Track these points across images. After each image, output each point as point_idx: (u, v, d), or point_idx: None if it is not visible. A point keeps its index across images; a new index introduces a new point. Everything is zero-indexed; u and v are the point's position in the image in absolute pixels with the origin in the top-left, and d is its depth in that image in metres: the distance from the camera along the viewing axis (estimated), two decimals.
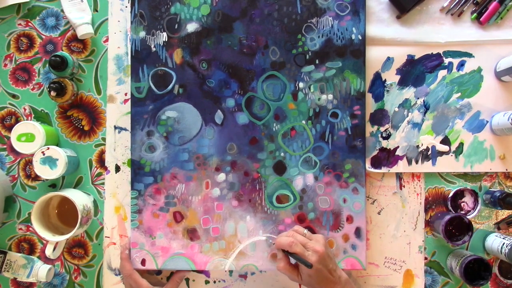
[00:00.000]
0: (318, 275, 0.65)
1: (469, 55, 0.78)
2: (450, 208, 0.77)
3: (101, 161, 0.79)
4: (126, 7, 0.79)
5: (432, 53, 0.78)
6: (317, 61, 0.75)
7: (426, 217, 0.78)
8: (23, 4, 0.80)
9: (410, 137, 0.78)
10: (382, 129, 0.78)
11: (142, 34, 0.76)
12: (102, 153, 0.79)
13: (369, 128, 0.78)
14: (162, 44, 0.76)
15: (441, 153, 0.78)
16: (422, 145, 0.78)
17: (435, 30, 0.77)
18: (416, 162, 0.77)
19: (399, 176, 0.78)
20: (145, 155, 0.75)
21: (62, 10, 0.80)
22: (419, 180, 0.78)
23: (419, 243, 0.78)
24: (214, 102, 0.76)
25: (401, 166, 0.77)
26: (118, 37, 0.79)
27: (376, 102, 0.78)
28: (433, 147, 0.78)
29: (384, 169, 0.77)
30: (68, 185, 0.80)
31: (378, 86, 0.78)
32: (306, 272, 0.65)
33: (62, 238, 0.73)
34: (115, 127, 0.79)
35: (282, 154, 0.76)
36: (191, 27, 0.76)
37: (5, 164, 0.80)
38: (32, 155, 0.74)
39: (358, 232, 0.75)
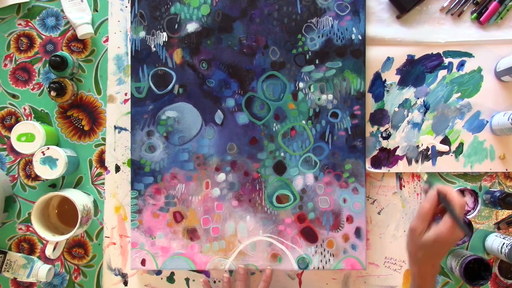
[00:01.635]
0: (442, 243, 0.57)
1: (469, 55, 0.78)
2: None
3: (101, 161, 0.79)
4: (126, 7, 0.79)
5: (432, 53, 0.78)
6: (317, 61, 0.75)
7: None
8: (23, 4, 0.80)
9: (410, 137, 0.78)
10: (382, 129, 0.78)
11: (142, 34, 0.76)
12: (102, 153, 0.79)
13: (369, 128, 0.78)
14: (162, 44, 0.76)
15: (441, 153, 0.78)
16: (422, 145, 0.78)
17: (435, 30, 0.77)
18: (416, 162, 0.77)
19: (399, 176, 0.78)
20: (145, 155, 0.75)
21: (62, 10, 0.80)
22: (419, 180, 0.78)
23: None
24: (214, 102, 0.76)
25: (401, 166, 0.77)
26: (118, 37, 0.79)
27: (376, 102, 0.78)
28: (433, 147, 0.78)
29: (384, 169, 0.77)
30: (68, 185, 0.80)
31: (378, 86, 0.78)
32: (440, 231, 0.56)
33: (62, 238, 0.73)
34: (115, 127, 0.79)
35: (282, 154, 0.76)
36: (191, 27, 0.76)
37: (5, 164, 0.80)
38: (32, 155, 0.74)
39: (358, 232, 0.75)
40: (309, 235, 0.75)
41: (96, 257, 0.79)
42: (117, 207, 0.78)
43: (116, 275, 0.78)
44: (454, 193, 0.58)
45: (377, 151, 0.78)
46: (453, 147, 0.78)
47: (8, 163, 0.80)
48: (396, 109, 0.78)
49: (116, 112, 0.79)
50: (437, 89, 0.78)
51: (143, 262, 0.75)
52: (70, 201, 0.73)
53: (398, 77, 0.78)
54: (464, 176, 0.79)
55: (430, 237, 0.57)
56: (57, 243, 0.76)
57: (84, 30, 0.77)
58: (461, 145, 0.78)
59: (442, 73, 0.78)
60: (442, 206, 0.60)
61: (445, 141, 0.78)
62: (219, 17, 0.76)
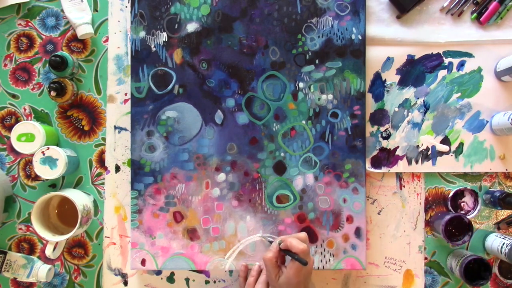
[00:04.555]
0: (297, 282, 0.64)
1: (469, 55, 0.78)
2: (450, 208, 0.77)
3: (101, 161, 0.79)
4: (126, 7, 0.79)
5: (432, 53, 0.78)
6: (317, 61, 0.75)
7: (426, 217, 0.78)
8: (23, 4, 0.80)
9: (410, 137, 0.78)
10: (382, 129, 0.78)
11: (142, 34, 0.76)
12: (102, 153, 0.79)
13: (369, 128, 0.78)
14: (162, 44, 0.76)
15: (441, 153, 0.78)
16: (422, 145, 0.78)
17: (435, 30, 0.77)
18: (416, 162, 0.77)
19: (399, 176, 0.78)
20: (145, 155, 0.75)
21: (62, 10, 0.80)
22: (419, 180, 0.78)
23: (419, 243, 0.78)
24: (214, 102, 0.76)
25: (401, 166, 0.77)
26: (118, 37, 0.79)
27: (376, 102, 0.78)
28: (433, 147, 0.78)
29: (384, 169, 0.77)
30: (68, 185, 0.80)
31: (378, 86, 0.78)
32: (289, 274, 0.64)
33: (62, 238, 0.73)
34: (115, 127, 0.79)
35: (282, 154, 0.76)
36: (191, 27, 0.76)
37: (5, 164, 0.80)
38: (32, 155, 0.74)
39: (358, 232, 0.75)
40: (309, 235, 0.75)
41: (96, 257, 0.79)
42: (117, 207, 0.78)
43: (116, 275, 0.78)
44: (294, 241, 0.65)
45: (377, 151, 0.78)
46: (453, 147, 0.78)
47: (8, 163, 0.80)
48: (396, 109, 0.78)
49: (116, 112, 0.79)
50: (437, 89, 0.78)
51: (143, 262, 0.75)
52: (70, 201, 0.73)
53: (398, 77, 0.78)
54: (464, 176, 0.79)
55: (283, 280, 0.65)
56: (57, 243, 0.76)
57: (84, 30, 0.77)
58: (461, 145, 0.78)
59: (442, 73, 0.78)
60: (283, 254, 0.68)
61: (445, 141, 0.78)
62: (219, 17, 0.76)
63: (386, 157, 0.78)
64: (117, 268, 0.78)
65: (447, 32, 0.77)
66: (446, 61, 0.78)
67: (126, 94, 0.79)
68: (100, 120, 0.79)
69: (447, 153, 0.78)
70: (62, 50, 0.80)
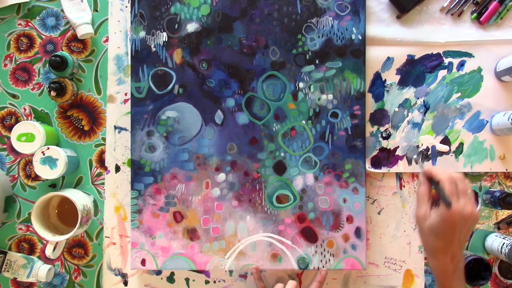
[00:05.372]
0: (447, 224, 0.53)
1: (469, 55, 0.78)
2: None
3: (101, 161, 0.79)
4: (126, 7, 0.79)
5: (432, 53, 0.78)
6: (317, 61, 0.75)
7: None
8: (23, 4, 0.80)
9: (410, 137, 0.78)
10: (382, 129, 0.78)
11: (142, 34, 0.76)
12: (102, 153, 0.79)
13: (369, 128, 0.78)
14: (162, 44, 0.76)
15: (441, 153, 0.78)
16: (422, 145, 0.78)
17: (435, 30, 0.77)
18: (416, 162, 0.77)
19: (399, 176, 0.78)
20: (145, 155, 0.75)
21: (62, 10, 0.80)
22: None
23: (419, 243, 0.78)
24: (214, 102, 0.76)
25: (401, 166, 0.77)
26: (118, 37, 0.79)
27: (376, 102, 0.78)
28: (433, 147, 0.78)
29: (384, 169, 0.77)
30: (68, 185, 0.80)
31: (378, 86, 0.78)
32: (439, 213, 0.54)
33: (62, 238, 0.73)
34: (115, 127, 0.79)
35: (282, 154, 0.76)
36: (191, 27, 0.76)
37: (5, 164, 0.80)
38: (32, 155, 0.74)
39: (358, 232, 0.75)
40: (309, 235, 0.75)
41: (96, 257, 0.79)
42: (117, 207, 0.78)
43: (116, 275, 0.78)
44: (438, 171, 0.56)
45: (377, 151, 0.78)
46: (453, 147, 0.78)
47: (8, 163, 0.80)
48: (396, 109, 0.78)
49: (116, 112, 0.79)
50: (437, 89, 0.78)
51: (143, 262, 0.75)
52: (70, 201, 0.73)
53: (398, 77, 0.78)
54: (464, 176, 0.78)
55: (435, 219, 0.54)
56: (57, 243, 0.76)
57: (84, 30, 0.77)
58: (461, 145, 0.78)
59: (442, 73, 0.78)
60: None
61: (445, 141, 0.78)
62: (219, 17, 0.76)
63: (386, 157, 0.78)
64: (117, 268, 0.78)
65: (447, 32, 0.77)
66: (446, 61, 0.78)
67: (126, 94, 0.79)
68: (100, 120, 0.79)
69: (447, 153, 0.78)
70: (62, 50, 0.80)
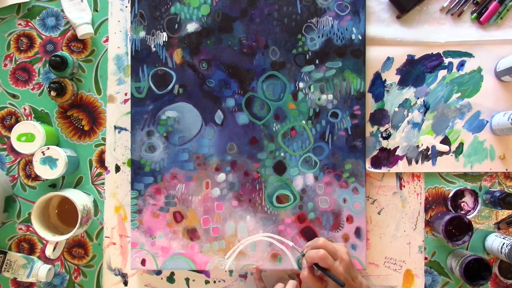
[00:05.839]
0: (346, 286, 0.63)
1: (469, 55, 0.78)
2: (450, 208, 0.77)
3: (101, 161, 0.79)
4: (126, 7, 0.79)
5: (432, 53, 0.78)
6: (317, 61, 0.76)
7: (426, 217, 0.78)
8: (23, 4, 0.80)
9: (410, 137, 0.78)
10: (382, 129, 0.78)
11: (142, 34, 0.76)
12: (102, 153, 0.79)
13: (369, 128, 0.78)
14: (162, 44, 0.76)
15: (441, 153, 0.78)
16: (422, 145, 0.78)
17: (435, 30, 0.77)
18: (416, 162, 0.77)
19: (399, 176, 0.78)
20: (145, 155, 0.75)
21: (62, 10, 0.80)
22: (419, 180, 0.78)
23: (419, 243, 0.78)
24: (214, 102, 0.76)
25: (401, 166, 0.77)
26: (118, 37, 0.79)
27: (376, 102, 0.78)
28: (433, 147, 0.78)
29: (384, 169, 0.77)
30: (68, 185, 0.80)
31: (378, 86, 0.78)
32: (334, 285, 0.63)
33: (62, 238, 0.73)
34: (115, 127, 0.79)
35: (282, 154, 0.76)
36: (191, 27, 0.76)
37: (5, 164, 0.80)
38: (32, 155, 0.74)
39: (358, 232, 0.75)
40: (309, 235, 0.75)
41: (96, 257, 0.79)
42: (117, 207, 0.78)
43: (116, 275, 0.78)
44: (310, 253, 0.64)
45: (377, 151, 0.78)
46: (453, 147, 0.78)
47: (8, 163, 0.80)
48: (396, 109, 0.78)
49: (116, 112, 0.79)
50: (437, 89, 0.78)
51: (143, 262, 0.75)
52: (70, 201, 0.73)
53: (398, 77, 0.78)
54: (464, 176, 0.79)
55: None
56: (57, 243, 0.76)
57: (84, 30, 0.77)
58: (461, 145, 0.78)
59: (442, 73, 0.78)
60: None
61: (445, 141, 0.78)
62: (219, 17, 0.76)
63: (386, 157, 0.78)
64: (117, 268, 0.78)
65: (447, 32, 0.77)
66: (446, 61, 0.78)
67: (126, 94, 0.79)
68: (100, 120, 0.79)
69: (447, 153, 0.78)
70: (62, 50, 0.80)
